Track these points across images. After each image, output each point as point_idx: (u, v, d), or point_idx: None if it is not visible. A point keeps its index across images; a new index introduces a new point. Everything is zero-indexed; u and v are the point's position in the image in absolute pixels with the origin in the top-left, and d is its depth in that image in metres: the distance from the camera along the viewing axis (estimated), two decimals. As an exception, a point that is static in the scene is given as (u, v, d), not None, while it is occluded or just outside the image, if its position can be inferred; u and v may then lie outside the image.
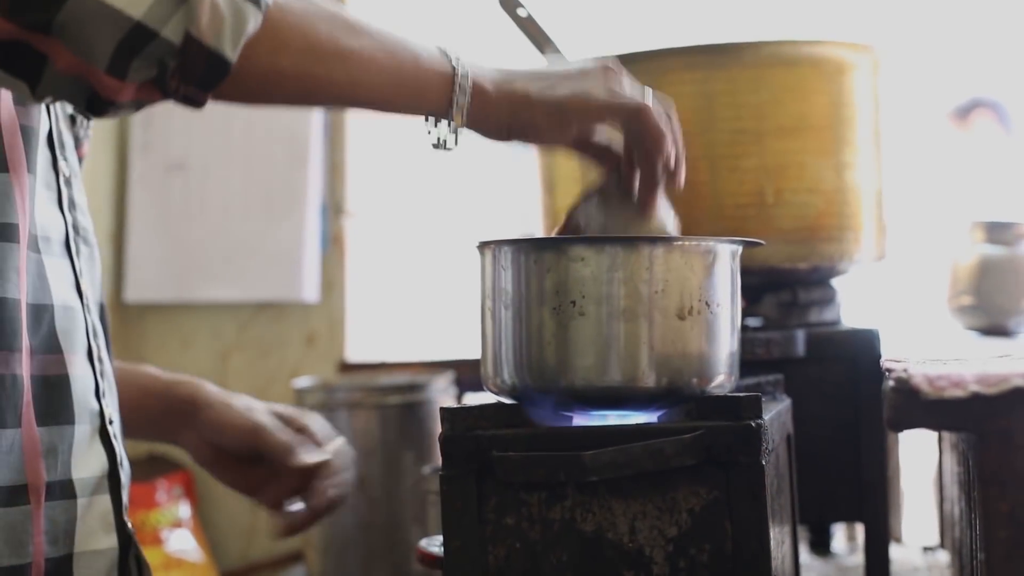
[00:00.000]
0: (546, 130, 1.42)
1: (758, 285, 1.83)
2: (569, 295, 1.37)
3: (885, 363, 1.29)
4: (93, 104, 1.20)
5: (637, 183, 1.48)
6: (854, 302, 1.98)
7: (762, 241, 1.57)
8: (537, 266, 1.39)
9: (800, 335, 1.78)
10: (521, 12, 1.80)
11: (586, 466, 1.27)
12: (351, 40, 1.29)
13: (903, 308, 2.73)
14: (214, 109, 2.63)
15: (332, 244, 2.62)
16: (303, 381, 2.18)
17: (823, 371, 1.80)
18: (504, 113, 1.40)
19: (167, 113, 2.73)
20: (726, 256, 1.44)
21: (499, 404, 1.43)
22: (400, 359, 2.48)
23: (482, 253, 1.46)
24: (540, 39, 1.82)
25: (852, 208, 1.82)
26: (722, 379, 1.41)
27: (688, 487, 1.30)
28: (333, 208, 2.63)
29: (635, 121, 1.43)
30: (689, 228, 1.75)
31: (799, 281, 1.83)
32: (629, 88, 1.45)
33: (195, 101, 1.21)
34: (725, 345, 1.41)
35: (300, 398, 2.14)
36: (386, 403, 2.13)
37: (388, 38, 1.34)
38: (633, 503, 1.31)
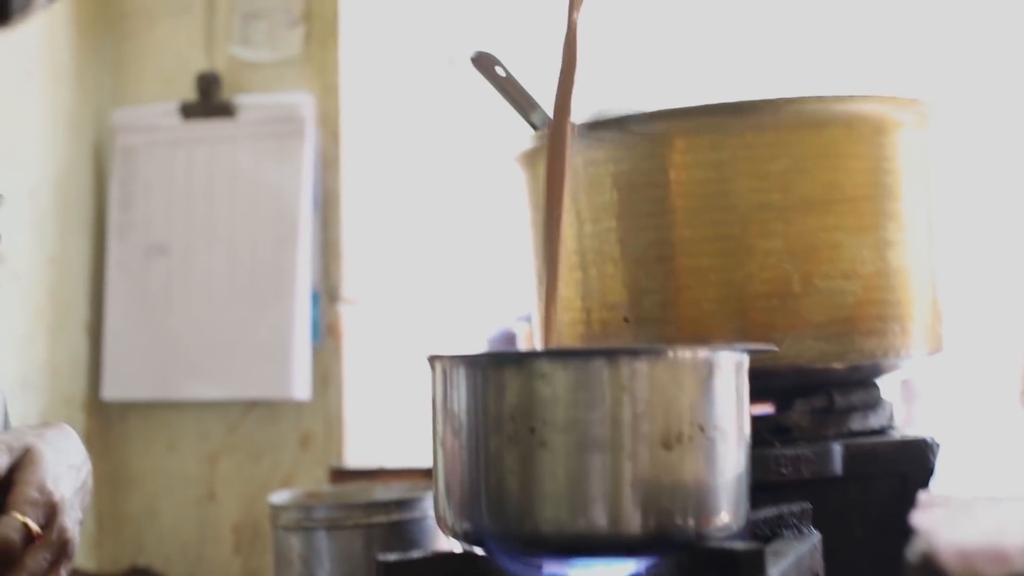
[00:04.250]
0: None
1: (786, 388, 1.54)
2: (527, 420, 1.15)
3: (913, 516, 1.01)
4: None
5: None
6: (905, 405, 1.69)
7: (774, 347, 1.30)
8: (486, 385, 1.18)
9: (836, 449, 1.49)
10: (499, 71, 1.56)
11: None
12: None
13: (965, 409, 2.42)
14: (196, 187, 2.39)
15: (327, 335, 2.35)
16: (279, 496, 1.91)
17: (865, 492, 1.51)
18: None
19: (146, 192, 2.52)
20: (728, 368, 1.19)
21: (447, 554, 1.22)
22: (400, 464, 2.20)
23: (432, 368, 1.25)
24: (522, 101, 1.58)
25: (898, 294, 1.53)
26: (725, 517, 1.17)
27: (673, 666, 1.05)
28: (327, 294, 2.36)
29: None
30: (699, 327, 1.49)
31: (835, 383, 1.54)
32: None
33: None
34: (727, 476, 1.18)
35: (276, 515, 1.87)
36: (371, 522, 1.85)
37: None
38: None
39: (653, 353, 1.14)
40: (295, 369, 2.29)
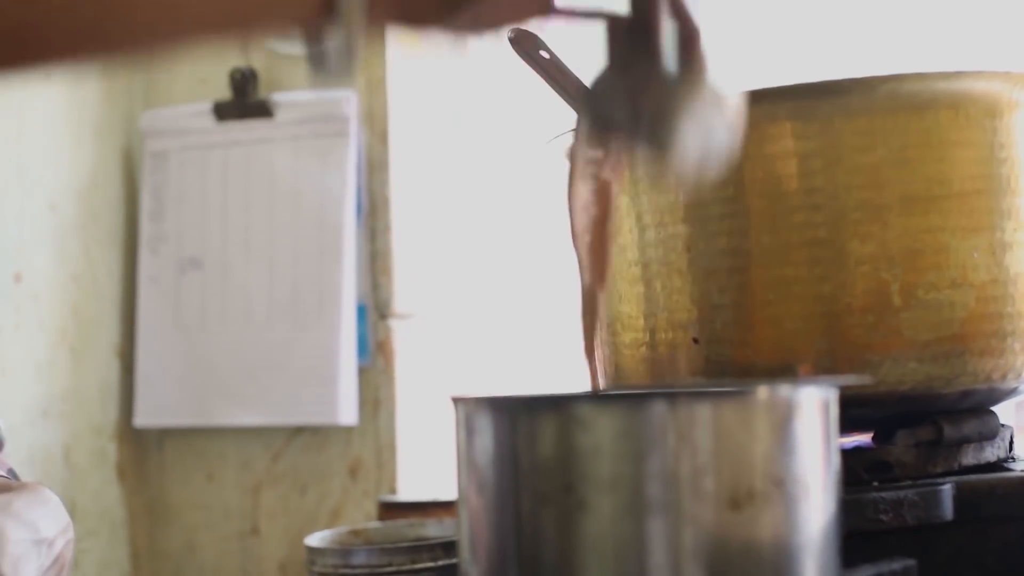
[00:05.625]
0: None
1: (886, 418, 1.32)
2: (563, 476, 0.95)
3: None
4: None
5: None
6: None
7: (869, 378, 1.08)
8: (515, 433, 0.99)
9: (946, 490, 1.25)
10: (544, 55, 1.36)
11: None
12: None
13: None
14: (232, 195, 2.20)
15: (376, 353, 2.14)
16: (316, 538, 1.71)
17: (981, 539, 1.28)
18: None
19: (179, 201, 2.32)
20: (811, 408, 0.98)
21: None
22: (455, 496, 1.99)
23: (455, 411, 1.05)
24: (570, 88, 1.36)
25: (1018, 305, 1.30)
26: (809, 588, 0.96)
27: None
28: (376, 309, 2.16)
29: None
30: (780, 349, 1.27)
31: (944, 411, 1.31)
32: None
33: None
34: (811, 537, 0.97)
35: (312, 560, 1.68)
36: (416, 568, 1.65)
37: None
38: None
39: (717, 394, 0.93)
40: (340, 392, 2.09)
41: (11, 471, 1.41)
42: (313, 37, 0.89)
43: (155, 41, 0.85)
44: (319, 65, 0.89)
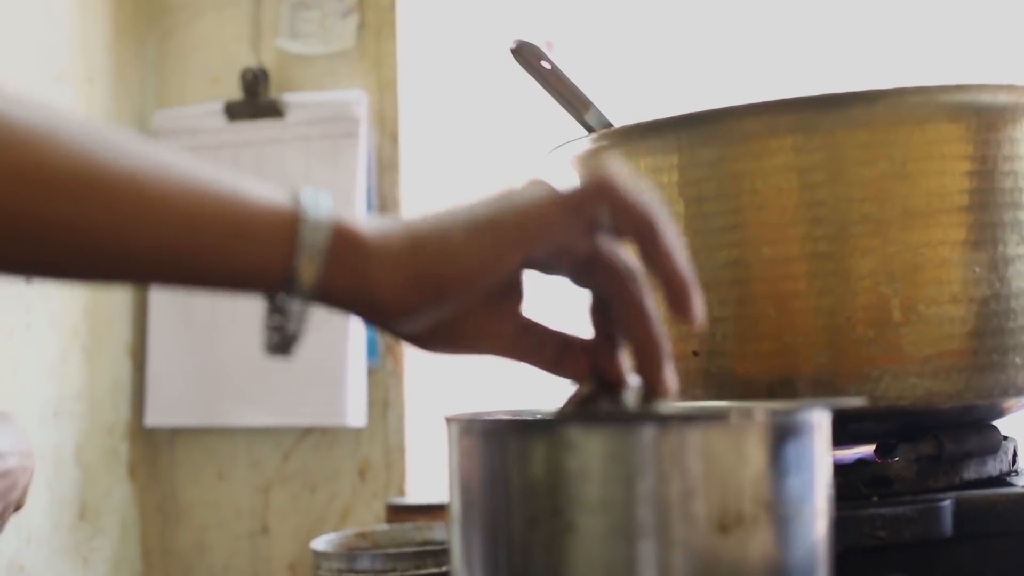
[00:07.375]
0: (475, 268, 0.92)
1: (887, 433, 1.31)
2: (552, 499, 0.93)
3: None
4: None
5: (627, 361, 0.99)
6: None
7: (860, 400, 1.07)
8: (504, 455, 0.97)
9: (947, 505, 1.25)
10: (545, 65, 1.35)
11: None
12: (115, 160, 0.80)
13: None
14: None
15: (386, 355, 2.14)
16: (322, 542, 1.72)
17: (982, 555, 1.27)
18: (398, 268, 0.91)
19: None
20: (801, 430, 0.97)
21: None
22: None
23: (448, 430, 1.03)
24: (572, 99, 1.36)
25: (1021, 320, 1.29)
26: (798, 612, 0.95)
27: None
28: (386, 310, 2.15)
29: (602, 209, 0.95)
30: (779, 363, 1.26)
31: (945, 426, 1.30)
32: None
33: None
34: (801, 561, 0.95)
35: (317, 563, 1.68)
36: (421, 573, 1.65)
37: (181, 162, 0.85)
38: None
39: (707, 419, 0.92)
40: (349, 394, 2.09)
41: None
42: (271, 307, 0.89)
43: (112, 277, 0.86)
44: (272, 334, 0.90)
